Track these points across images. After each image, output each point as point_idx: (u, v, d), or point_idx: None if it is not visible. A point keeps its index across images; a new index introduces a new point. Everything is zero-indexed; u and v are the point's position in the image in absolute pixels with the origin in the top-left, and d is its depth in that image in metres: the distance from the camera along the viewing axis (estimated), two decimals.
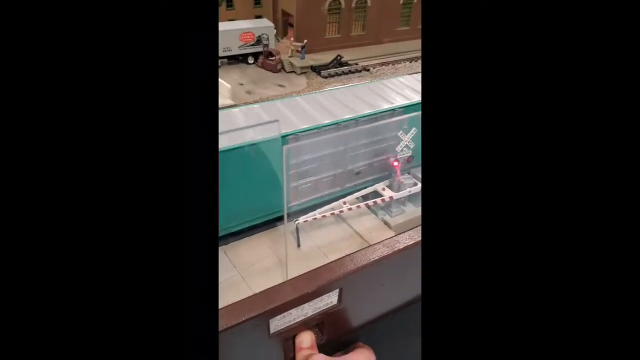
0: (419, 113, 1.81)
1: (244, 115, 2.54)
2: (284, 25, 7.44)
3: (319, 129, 2.41)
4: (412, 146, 1.81)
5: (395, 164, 1.83)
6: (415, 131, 1.82)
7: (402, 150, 1.82)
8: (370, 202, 1.76)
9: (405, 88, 2.75)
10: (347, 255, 1.28)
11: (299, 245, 1.50)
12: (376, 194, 1.82)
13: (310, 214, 1.58)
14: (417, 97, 2.73)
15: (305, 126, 2.47)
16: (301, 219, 1.54)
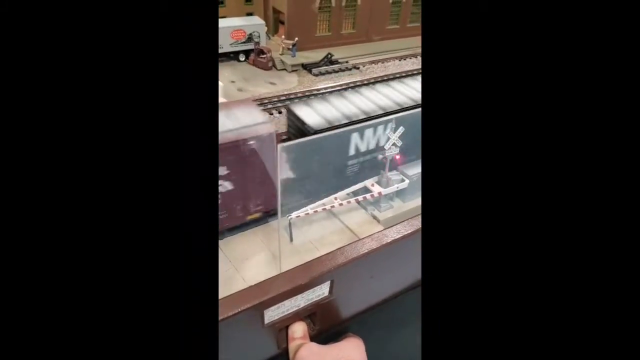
0: (406, 113, 1.87)
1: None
2: (275, 22, 7.36)
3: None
4: (399, 144, 1.87)
5: (384, 161, 1.89)
6: (402, 130, 1.88)
7: (389, 148, 1.88)
8: (360, 198, 1.82)
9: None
10: (338, 249, 1.32)
11: (291, 240, 1.55)
12: (366, 190, 1.87)
13: (303, 209, 1.63)
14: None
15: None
16: (294, 215, 1.59)
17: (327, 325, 1.49)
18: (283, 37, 6.95)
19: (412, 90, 2.93)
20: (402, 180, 2.06)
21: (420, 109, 2.03)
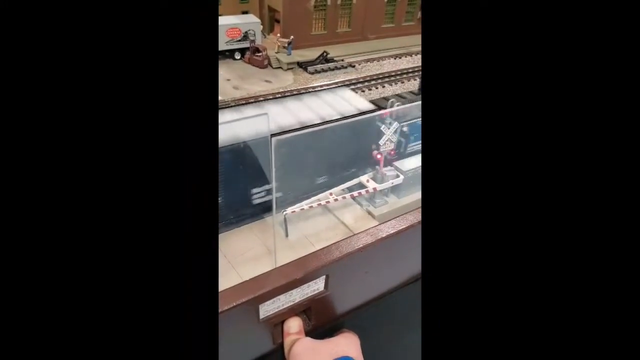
0: (400, 108, 1.87)
1: None
2: (270, 21, 7.35)
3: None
4: (394, 140, 1.87)
5: (379, 156, 1.89)
6: (397, 125, 1.88)
7: (384, 143, 1.87)
8: (355, 193, 1.82)
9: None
10: (333, 244, 1.33)
11: (287, 235, 1.55)
12: (361, 186, 1.87)
13: (298, 205, 1.63)
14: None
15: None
16: (289, 210, 1.58)
17: (322, 321, 1.50)
18: (278, 35, 6.96)
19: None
20: (397, 176, 2.06)
21: (412, 104, 2.05)
